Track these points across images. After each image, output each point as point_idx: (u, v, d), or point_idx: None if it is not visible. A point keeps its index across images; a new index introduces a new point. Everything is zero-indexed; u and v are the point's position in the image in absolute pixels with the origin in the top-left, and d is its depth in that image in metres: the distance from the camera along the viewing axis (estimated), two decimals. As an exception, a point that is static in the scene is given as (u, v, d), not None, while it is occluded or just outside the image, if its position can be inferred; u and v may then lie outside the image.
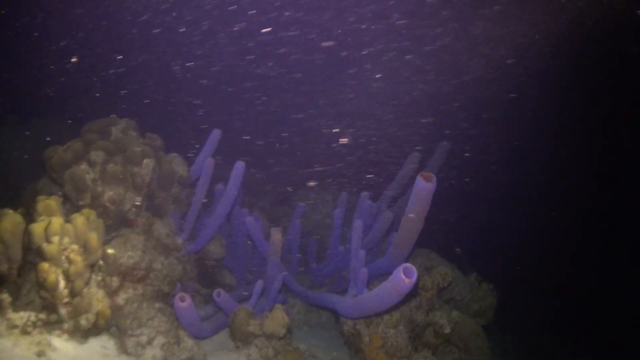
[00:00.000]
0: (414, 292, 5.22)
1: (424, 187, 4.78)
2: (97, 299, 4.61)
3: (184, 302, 4.78)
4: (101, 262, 4.75)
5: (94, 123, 5.84)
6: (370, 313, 5.26)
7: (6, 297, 4.39)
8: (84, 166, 5.30)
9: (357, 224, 5.80)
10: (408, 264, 4.33)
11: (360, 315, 5.42)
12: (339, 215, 6.62)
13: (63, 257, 4.34)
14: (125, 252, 5.25)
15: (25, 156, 8.08)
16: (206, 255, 6.49)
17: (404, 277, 4.27)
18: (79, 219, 4.54)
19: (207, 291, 6.61)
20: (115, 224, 5.46)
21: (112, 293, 4.94)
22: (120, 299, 5.04)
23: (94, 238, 4.53)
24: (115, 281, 4.97)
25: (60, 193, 5.38)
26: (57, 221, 4.35)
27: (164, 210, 6.02)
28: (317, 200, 9.22)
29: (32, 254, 4.42)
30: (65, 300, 4.37)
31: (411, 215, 5.08)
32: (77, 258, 4.32)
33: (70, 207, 5.34)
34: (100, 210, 5.25)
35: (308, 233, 7.87)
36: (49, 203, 4.60)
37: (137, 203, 5.55)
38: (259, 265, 6.93)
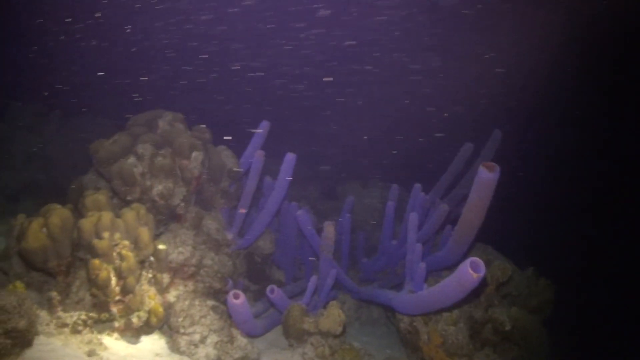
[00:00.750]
0: (480, 289, 4.96)
1: (487, 177, 4.51)
2: (148, 297, 4.45)
3: (238, 299, 4.59)
4: (152, 259, 4.59)
5: (140, 116, 5.69)
6: (431, 309, 5.01)
7: (55, 295, 4.26)
8: (131, 160, 5.14)
9: (413, 217, 5.57)
10: (475, 258, 4.13)
11: (419, 311, 5.18)
12: (391, 208, 6.37)
13: (114, 254, 4.19)
14: (175, 247, 5.08)
15: (68, 152, 8.03)
16: (255, 251, 6.31)
17: (471, 271, 4.05)
18: (129, 214, 4.39)
19: (257, 287, 6.44)
20: (164, 219, 5.30)
21: (162, 290, 4.78)
22: (171, 296, 4.88)
23: (145, 233, 4.37)
24: (165, 278, 4.80)
25: (105, 188, 5.23)
26: (107, 216, 4.20)
27: (212, 204, 5.86)
28: (362, 194, 9.00)
29: (82, 250, 4.27)
30: (117, 298, 4.22)
31: (472, 207, 4.82)
32: (129, 254, 4.16)
33: (118, 202, 5.20)
34: (149, 205, 5.09)
35: (355, 228, 7.65)
36: (97, 197, 4.46)
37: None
38: (307, 261, 6.73)
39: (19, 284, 4.41)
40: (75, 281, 4.34)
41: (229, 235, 5.74)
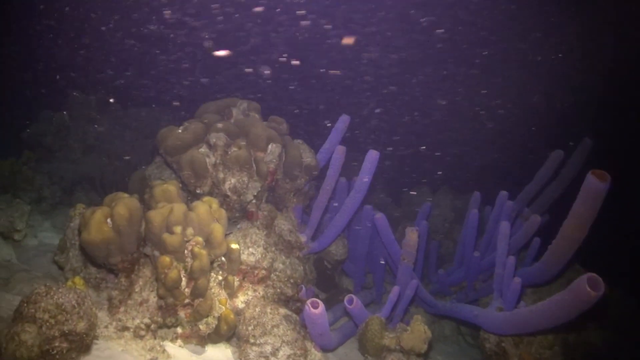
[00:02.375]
0: (599, 310, 4.39)
1: (597, 186, 3.98)
2: (219, 301, 4.01)
3: (317, 309, 4.09)
4: (223, 259, 4.13)
5: (212, 103, 5.27)
6: (531, 330, 4.47)
7: (116, 295, 3.87)
8: (203, 149, 4.71)
9: (504, 226, 5.07)
10: (593, 274, 3.67)
11: (514, 331, 4.64)
12: (475, 216, 5.81)
13: (186, 251, 3.75)
14: (246, 248, 4.64)
15: (128, 144, 7.76)
16: (326, 256, 5.82)
17: (589, 289, 3.59)
18: (201, 207, 3.94)
19: (325, 296, 5.95)
20: (234, 216, 4.84)
21: (232, 295, 4.32)
22: (239, 301, 4.42)
23: (218, 230, 3.90)
24: (235, 281, 4.33)
25: (170, 179, 4.81)
26: (179, 208, 3.76)
27: (284, 203, 5.39)
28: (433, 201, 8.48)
29: (148, 246, 3.84)
30: (186, 301, 3.78)
31: (576, 219, 4.26)
32: (202, 252, 3.70)
33: (186, 195, 4.77)
34: (220, 200, 4.63)
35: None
36: (167, 188, 4.02)
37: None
38: (377, 269, 6.21)
39: (78, 280, 4.02)
40: (139, 280, 3.92)
41: (303, 238, 5.25)
